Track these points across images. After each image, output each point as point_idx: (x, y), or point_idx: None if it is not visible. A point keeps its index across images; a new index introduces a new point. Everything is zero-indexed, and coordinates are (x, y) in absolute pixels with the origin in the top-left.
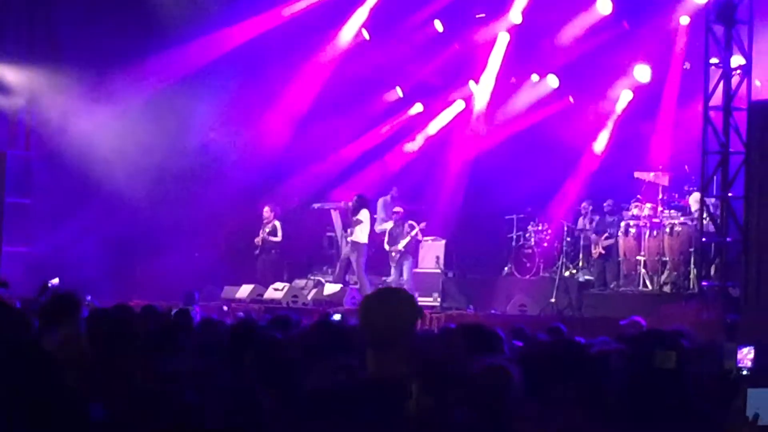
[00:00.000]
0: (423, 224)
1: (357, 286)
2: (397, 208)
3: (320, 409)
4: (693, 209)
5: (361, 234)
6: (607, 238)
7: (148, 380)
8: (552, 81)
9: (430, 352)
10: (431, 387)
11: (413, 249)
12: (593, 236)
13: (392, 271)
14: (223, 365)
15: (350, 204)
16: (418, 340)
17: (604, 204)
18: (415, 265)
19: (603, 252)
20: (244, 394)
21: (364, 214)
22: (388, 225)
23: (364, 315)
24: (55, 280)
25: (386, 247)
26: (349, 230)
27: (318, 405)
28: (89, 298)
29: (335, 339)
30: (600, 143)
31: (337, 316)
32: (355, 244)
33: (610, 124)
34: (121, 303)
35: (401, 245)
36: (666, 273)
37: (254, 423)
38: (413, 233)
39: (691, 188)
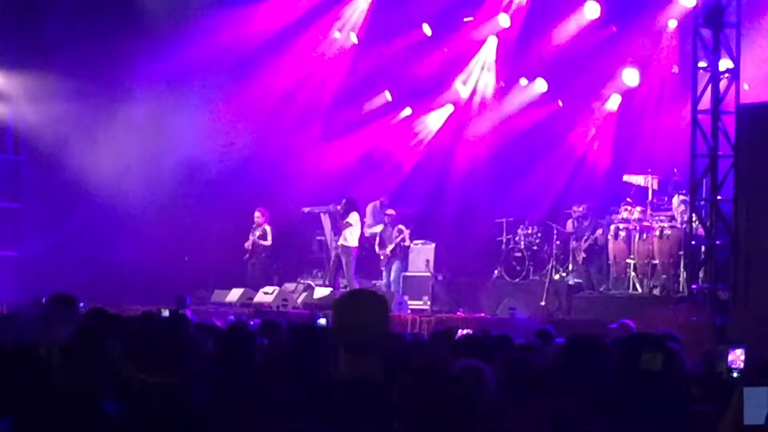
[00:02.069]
0: (407, 231)
1: (347, 290)
2: (390, 211)
3: (297, 411)
4: (674, 210)
5: (351, 237)
6: (586, 240)
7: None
8: (540, 85)
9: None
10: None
11: (403, 252)
12: (573, 243)
13: (383, 274)
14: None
15: (339, 207)
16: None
17: (579, 208)
18: (405, 268)
19: (585, 256)
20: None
21: (353, 218)
22: (378, 228)
23: (337, 318)
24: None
25: (377, 249)
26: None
27: (295, 406)
28: (81, 305)
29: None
30: (589, 147)
31: (322, 321)
32: (345, 248)
33: (598, 128)
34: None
35: (388, 249)
36: (655, 276)
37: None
38: (398, 239)
39: (674, 191)
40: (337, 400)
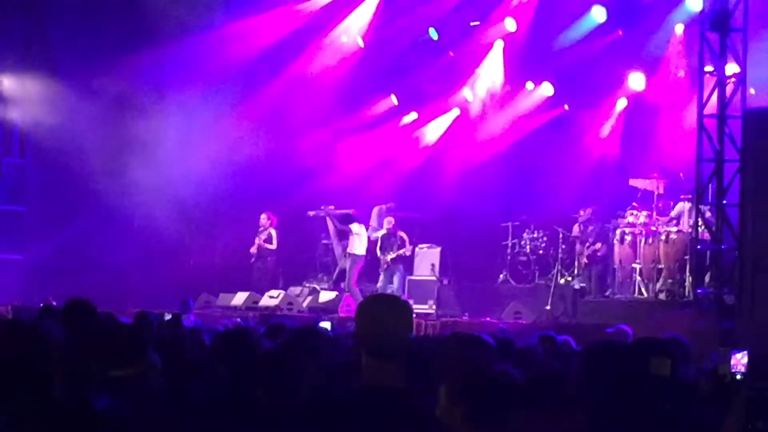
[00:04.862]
0: (408, 249)
1: (370, 294)
2: (389, 219)
3: (320, 418)
4: (673, 215)
5: (358, 246)
6: (589, 247)
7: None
8: (547, 89)
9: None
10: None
11: (403, 260)
12: (578, 246)
13: (381, 277)
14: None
15: (337, 212)
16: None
17: (584, 212)
18: (410, 272)
19: (587, 261)
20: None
21: (357, 228)
22: (381, 233)
23: (360, 322)
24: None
25: (378, 253)
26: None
27: (318, 413)
28: None
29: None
30: (595, 151)
31: (326, 324)
32: (351, 255)
33: (605, 132)
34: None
35: (389, 257)
36: (661, 280)
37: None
38: (401, 252)
39: (684, 196)
40: (361, 408)
